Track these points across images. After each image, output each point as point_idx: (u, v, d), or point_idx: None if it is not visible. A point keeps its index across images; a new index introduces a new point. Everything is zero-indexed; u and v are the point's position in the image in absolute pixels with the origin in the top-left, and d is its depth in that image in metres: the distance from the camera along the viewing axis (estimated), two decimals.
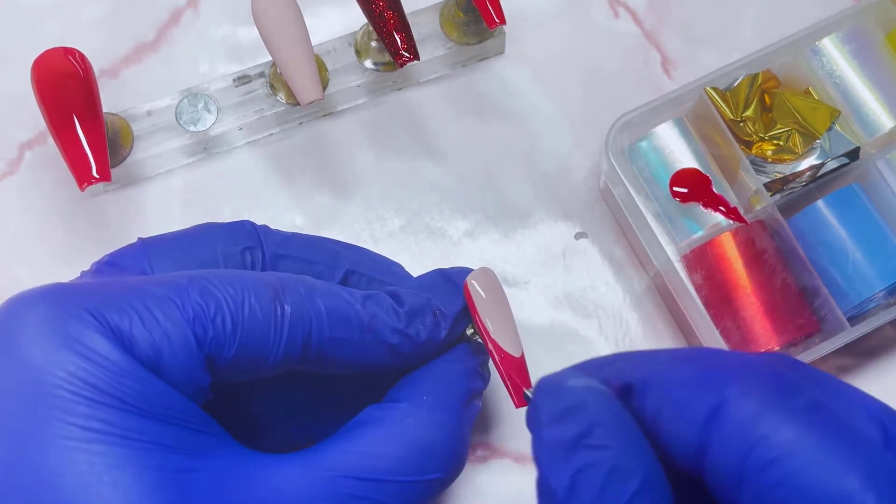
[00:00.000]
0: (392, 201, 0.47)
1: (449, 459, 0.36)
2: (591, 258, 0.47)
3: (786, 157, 0.44)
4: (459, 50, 0.47)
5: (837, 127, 0.44)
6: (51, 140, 0.47)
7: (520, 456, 0.44)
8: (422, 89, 0.49)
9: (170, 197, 0.47)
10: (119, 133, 0.45)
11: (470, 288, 0.38)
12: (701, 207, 0.43)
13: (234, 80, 0.46)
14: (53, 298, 0.32)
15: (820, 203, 0.43)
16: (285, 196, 0.47)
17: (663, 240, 0.43)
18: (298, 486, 0.33)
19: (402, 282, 0.40)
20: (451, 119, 0.48)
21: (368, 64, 0.47)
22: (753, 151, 0.44)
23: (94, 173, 0.40)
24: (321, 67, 0.47)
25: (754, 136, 0.44)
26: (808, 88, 0.45)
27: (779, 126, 0.44)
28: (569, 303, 0.46)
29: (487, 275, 0.38)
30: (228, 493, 0.32)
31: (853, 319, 0.42)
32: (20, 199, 0.47)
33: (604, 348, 0.45)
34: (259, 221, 0.46)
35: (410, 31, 0.42)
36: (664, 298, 0.46)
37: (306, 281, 0.35)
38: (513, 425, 0.45)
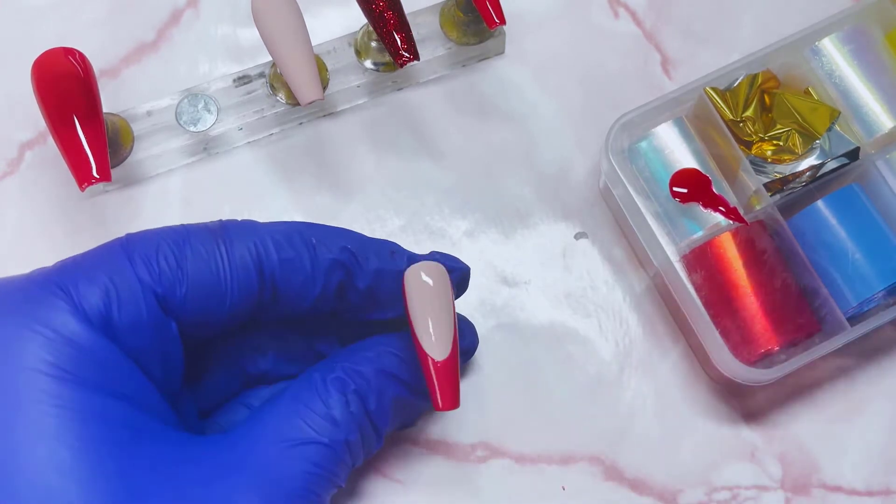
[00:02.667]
0: (392, 201, 0.47)
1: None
2: (591, 258, 0.47)
3: (785, 158, 0.44)
4: (459, 50, 0.48)
5: (837, 127, 0.44)
6: (51, 140, 0.47)
7: (520, 456, 0.44)
8: (422, 89, 0.49)
9: (170, 197, 0.47)
10: (119, 133, 0.45)
11: (408, 277, 0.36)
12: (701, 207, 0.43)
13: (234, 81, 0.47)
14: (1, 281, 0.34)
15: (820, 203, 0.43)
16: (285, 196, 0.47)
17: (663, 240, 0.43)
18: (244, 461, 0.34)
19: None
20: (451, 119, 0.48)
21: (368, 64, 0.47)
22: (753, 151, 0.44)
23: (95, 173, 0.40)
24: (321, 67, 0.47)
25: (754, 137, 0.44)
26: (807, 88, 0.45)
27: (779, 126, 0.44)
28: (569, 303, 0.46)
29: (434, 269, 0.36)
30: (174, 468, 0.32)
31: (853, 319, 0.42)
32: (20, 199, 0.47)
33: (604, 348, 0.45)
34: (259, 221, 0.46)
35: (410, 31, 0.42)
36: (664, 298, 0.46)
37: (247, 220, 0.37)
38: (513, 425, 0.45)
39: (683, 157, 0.44)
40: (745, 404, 0.45)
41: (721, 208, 0.43)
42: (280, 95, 0.46)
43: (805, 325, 0.42)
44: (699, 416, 0.45)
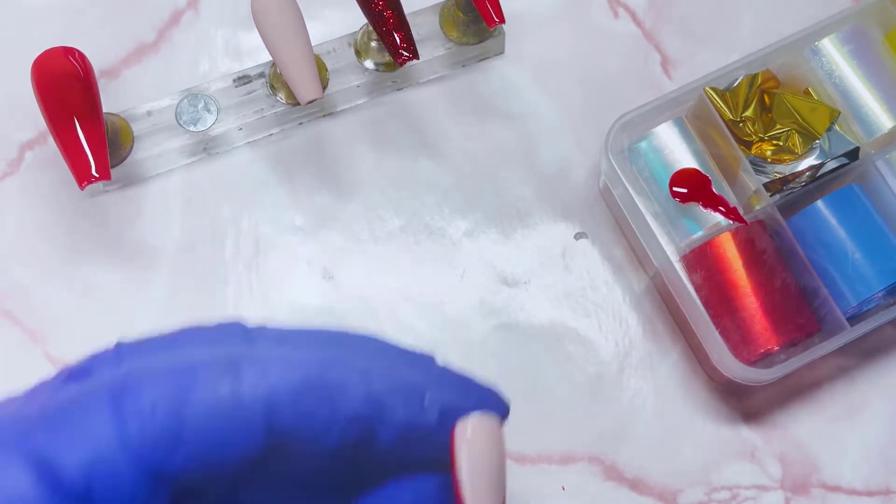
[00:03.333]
0: (392, 201, 0.47)
1: None
2: (590, 258, 0.47)
3: (785, 158, 0.44)
4: (459, 50, 0.48)
5: (837, 127, 0.44)
6: (51, 140, 0.47)
7: (520, 456, 0.44)
8: (422, 89, 0.49)
9: (170, 197, 0.47)
10: (119, 133, 0.45)
11: (459, 441, 0.30)
12: (700, 207, 0.43)
13: (234, 81, 0.47)
14: None
15: (819, 203, 0.43)
16: (285, 196, 0.47)
17: (663, 240, 0.43)
18: None
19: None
20: (451, 119, 0.48)
21: (368, 64, 0.47)
22: (753, 151, 0.44)
23: (94, 172, 0.40)
24: (321, 68, 0.47)
25: (754, 137, 0.44)
26: (807, 88, 0.45)
27: (778, 126, 0.44)
28: (569, 303, 0.46)
29: (490, 424, 0.31)
30: None
31: (853, 319, 0.42)
32: (20, 200, 0.47)
33: (604, 348, 0.45)
34: (259, 221, 0.46)
35: (410, 30, 0.42)
36: (664, 298, 0.46)
37: (263, 351, 0.31)
38: (513, 425, 0.45)
39: (683, 157, 0.44)
40: (745, 404, 0.45)
41: (721, 208, 0.43)
42: (280, 95, 0.46)
43: (805, 324, 0.42)
44: (699, 415, 0.45)
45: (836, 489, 0.44)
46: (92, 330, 0.45)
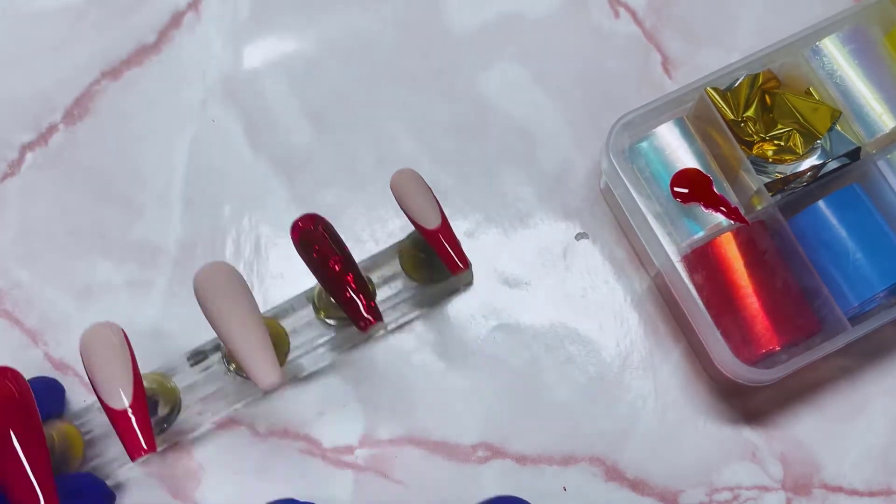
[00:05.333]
0: (392, 201, 0.47)
1: None
2: (591, 258, 0.47)
3: (787, 158, 0.44)
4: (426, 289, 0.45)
5: (838, 127, 0.44)
6: (52, 141, 0.47)
7: (521, 456, 0.44)
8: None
9: (172, 197, 0.47)
10: (67, 444, 0.41)
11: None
12: (702, 207, 0.43)
13: (189, 359, 0.43)
14: None
15: (820, 203, 0.43)
16: (286, 196, 0.47)
17: (664, 240, 0.43)
18: None
19: None
20: (451, 119, 0.48)
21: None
22: (754, 152, 0.44)
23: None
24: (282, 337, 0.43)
25: (755, 137, 0.44)
26: (808, 88, 0.44)
27: (779, 126, 0.44)
28: (569, 303, 0.46)
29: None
30: None
31: (854, 319, 0.42)
32: (21, 201, 0.47)
33: (605, 349, 0.45)
34: (259, 221, 0.46)
35: (368, 292, 0.38)
36: (665, 298, 0.46)
37: None
38: (514, 426, 0.45)
39: (684, 156, 0.44)
40: (746, 404, 0.45)
41: (722, 208, 0.43)
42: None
43: (806, 325, 0.42)
44: (700, 416, 0.45)
45: (837, 489, 0.44)
46: None
